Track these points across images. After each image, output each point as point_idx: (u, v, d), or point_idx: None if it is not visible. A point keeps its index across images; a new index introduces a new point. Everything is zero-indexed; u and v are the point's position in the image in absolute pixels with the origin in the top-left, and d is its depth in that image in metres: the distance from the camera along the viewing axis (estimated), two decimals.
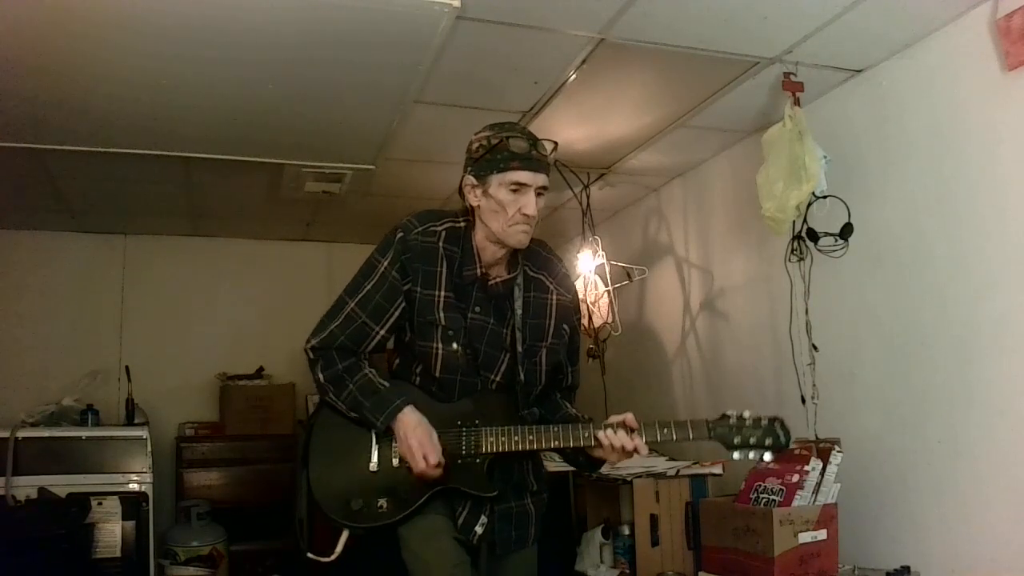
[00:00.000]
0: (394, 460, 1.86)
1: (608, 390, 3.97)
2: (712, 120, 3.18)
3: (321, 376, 1.90)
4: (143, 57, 2.44)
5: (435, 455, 1.80)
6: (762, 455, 1.85)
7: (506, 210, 1.83)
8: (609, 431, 1.85)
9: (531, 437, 1.85)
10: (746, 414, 1.88)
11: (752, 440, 1.85)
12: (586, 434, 1.86)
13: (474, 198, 1.89)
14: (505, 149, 1.83)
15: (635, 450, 1.84)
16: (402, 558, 1.84)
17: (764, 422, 1.87)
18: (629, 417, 1.87)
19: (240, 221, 4.69)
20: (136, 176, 3.68)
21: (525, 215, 1.83)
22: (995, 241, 2.30)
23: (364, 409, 1.85)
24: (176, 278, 4.90)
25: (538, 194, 1.86)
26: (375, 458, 1.86)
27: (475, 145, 1.90)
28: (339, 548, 1.84)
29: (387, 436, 1.87)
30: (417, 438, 1.81)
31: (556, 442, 1.86)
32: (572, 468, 3.36)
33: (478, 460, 1.85)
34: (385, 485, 1.84)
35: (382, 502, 1.83)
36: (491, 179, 1.84)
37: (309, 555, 1.90)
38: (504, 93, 2.89)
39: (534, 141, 1.87)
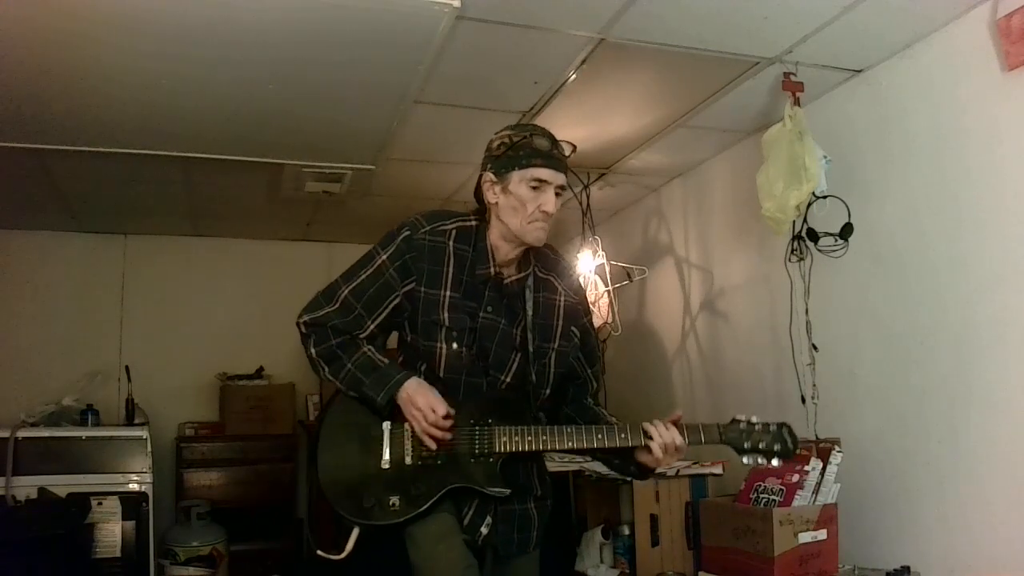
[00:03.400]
0: (407, 458, 1.84)
1: (608, 390, 3.97)
2: (712, 120, 3.18)
3: (313, 351, 1.89)
4: (143, 57, 2.44)
5: (443, 407, 1.79)
6: (770, 460, 1.88)
7: (526, 206, 1.84)
8: (659, 426, 1.85)
9: (545, 437, 1.84)
10: (755, 419, 1.89)
11: (761, 445, 1.87)
12: (627, 435, 1.85)
13: (492, 195, 1.89)
14: (528, 146, 1.84)
15: (679, 447, 1.85)
16: (408, 556, 1.81)
17: (773, 428, 1.89)
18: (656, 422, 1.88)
19: (240, 221, 4.70)
20: (136, 176, 3.68)
21: (544, 212, 1.84)
22: (995, 241, 2.30)
23: (364, 386, 1.83)
24: (176, 278, 4.90)
25: (556, 193, 1.87)
26: (387, 455, 1.84)
27: (496, 143, 1.90)
28: (349, 546, 1.81)
29: (390, 426, 1.85)
30: (422, 395, 1.80)
31: (598, 442, 1.85)
32: (572, 469, 3.38)
33: (491, 459, 1.84)
34: (397, 482, 1.82)
35: (394, 500, 1.81)
36: (512, 176, 1.85)
37: (319, 553, 1.87)
38: (504, 93, 2.90)
39: (555, 140, 1.89)
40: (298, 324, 1.92)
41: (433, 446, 1.82)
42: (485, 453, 1.84)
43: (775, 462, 1.88)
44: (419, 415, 1.80)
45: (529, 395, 1.92)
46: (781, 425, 1.90)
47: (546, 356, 1.94)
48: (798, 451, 1.95)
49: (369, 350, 1.89)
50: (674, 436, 1.84)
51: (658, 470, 2.04)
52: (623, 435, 1.86)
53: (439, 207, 4.15)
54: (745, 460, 1.89)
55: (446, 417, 1.80)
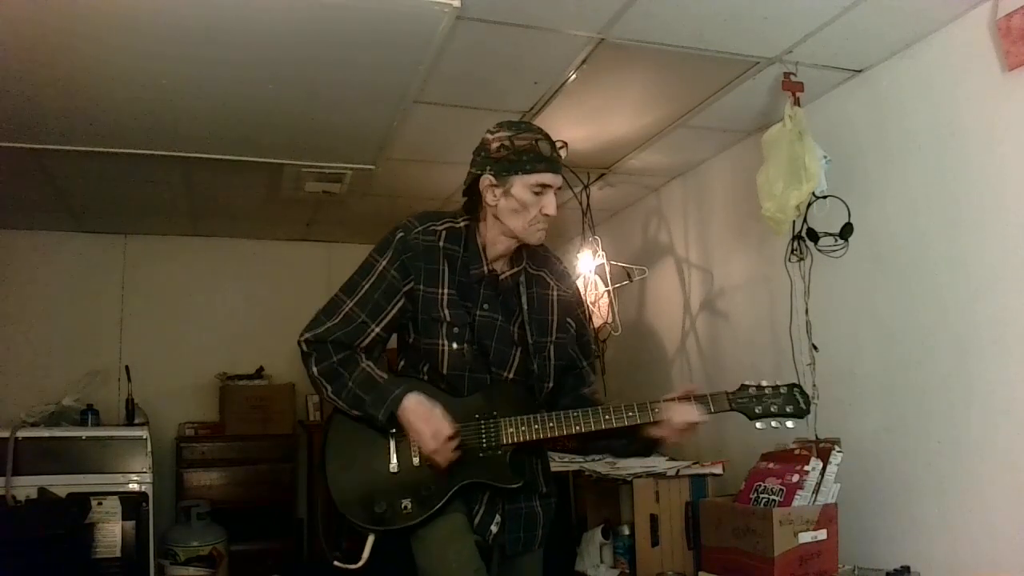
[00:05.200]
0: (414, 459, 1.83)
1: (608, 390, 3.97)
2: (712, 120, 3.18)
3: (315, 370, 1.87)
4: (143, 57, 2.44)
5: (448, 427, 1.77)
6: (784, 423, 1.86)
7: (528, 210, 1.84)
8: (668, 401, 1.84)
9: (551, 424, 1.83)
10: (764, 382, 1.88)
11: (774, 408, 1.86)
12: (634, 413, 1.83)
13: (492, 197, 1.87)
14: (532, 151, 1.83)
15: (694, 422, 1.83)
16: (415, 559, 1.80)
17: (783, 389, 1.88)
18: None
19: (240, 221, 4.70)
20: (136, 176, 3.68)
21: (547, 215, 1.86)
22: (995, 241, 2.30)
23: (365, 405, 1.82)
24: (176, 278, 4.90)
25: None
26: (395, 459, 1.83)
27: (495, 145, 1.86)
28: (366, 554, 1.79)
29: (394, 432, 1.84)
30: (421, 417, 1.78)
31: (605, 423, 1.83)
32: (572, 469, 3.38)
33: (499, 452, 1.84)
34: (407, 485, 1.81)
35: (406, 503, 1.80)
36: (514, 180, 1.84)
37: (336, 564, 1.84)
38: (504, 93, 2.90)
39: (553, 142, 1.89)
40: (299, 343, 1.90)
41: (442, 465, 1.80)
42: (493, 446, 1.84)
43: (789, 424, 1.86)
44: (421, 439, 1.78)
45: (533, 388, 1.92)
46: (792, 386, 1.89)
47: (545, 350, 1.95)
48: (811, 410, 1.93)
49: (368, 366, 1.87)
50: (687, 410, 1.83)
51: (663, 449, 2.02)
52: (631, 413, 1.84)
53: (439, 207, 4.16)
54: (758, 425, 1.87)
55: (452, 437, 1.78)
